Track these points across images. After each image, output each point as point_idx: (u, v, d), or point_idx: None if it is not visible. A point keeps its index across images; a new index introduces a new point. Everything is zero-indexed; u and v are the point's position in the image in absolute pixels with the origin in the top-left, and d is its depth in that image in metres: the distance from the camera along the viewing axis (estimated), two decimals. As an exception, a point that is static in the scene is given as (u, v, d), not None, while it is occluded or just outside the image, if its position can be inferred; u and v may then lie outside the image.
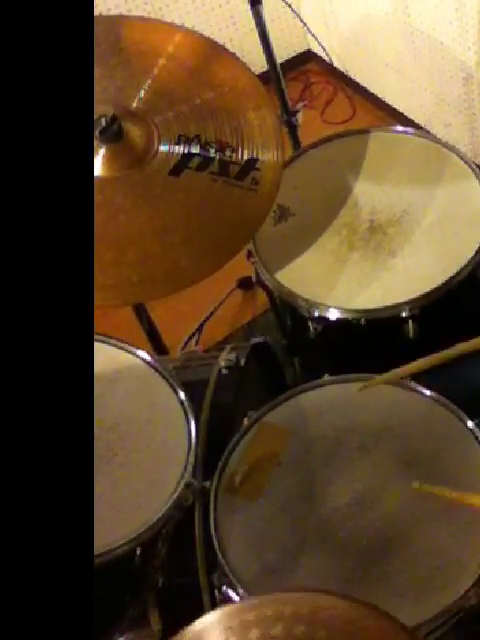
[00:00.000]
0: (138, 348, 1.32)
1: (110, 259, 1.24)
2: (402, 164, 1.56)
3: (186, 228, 1.28)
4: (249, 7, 1.66)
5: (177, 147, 1.32)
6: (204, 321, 2.11)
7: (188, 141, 1.32)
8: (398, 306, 1.37)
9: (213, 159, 1.32)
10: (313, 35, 2.55)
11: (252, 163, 1.33)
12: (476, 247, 1.40)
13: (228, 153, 1.32)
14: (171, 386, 1.27)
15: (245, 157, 1.34)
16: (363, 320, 1.39)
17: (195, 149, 1.32)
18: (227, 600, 1.10)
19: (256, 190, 1.33)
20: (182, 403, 1.25)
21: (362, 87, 2.66)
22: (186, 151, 1.31)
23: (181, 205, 1.29)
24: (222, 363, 1.38)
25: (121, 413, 1.25)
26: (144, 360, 1.31)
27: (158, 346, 1.70)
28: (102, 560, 1.07)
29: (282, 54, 2.63)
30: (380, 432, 1.22)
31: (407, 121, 2.47)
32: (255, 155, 1.34)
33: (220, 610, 0.78)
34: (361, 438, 1.22)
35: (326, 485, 1.18)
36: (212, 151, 1.32)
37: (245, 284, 2.18)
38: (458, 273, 1.38)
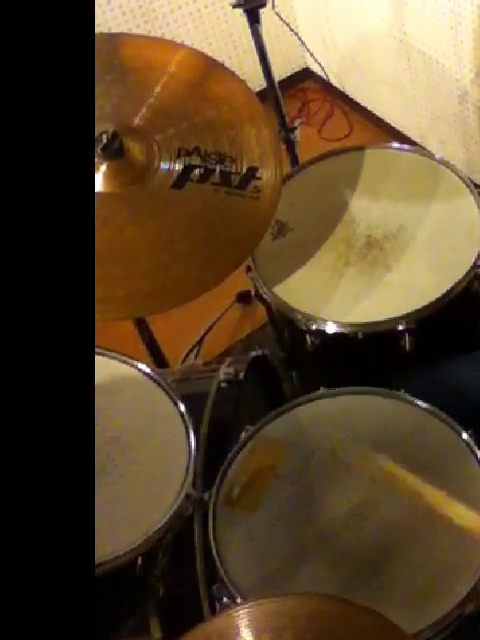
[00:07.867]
0: (139, 361, 1.33)
1: (120, 273, 1.25)
2: (398, 180, 1.58)
3: (192, 239, 1.29)
4: (248, 26, 1.68)
5: (178, 160, 1.33)
6: (204, 334, 2.12)
7: (188, 153, 1.33)
8: (395, 320, 1.38)
9: (214, 170, 1.33)
10: (311, 53, 2.58)
11: (253, 172, 1.34)
12: (471, 261, 1.41)
13: (228, 163, 1.34)
14: (171, 399, 1.28)
15: (245, 167, 1.35)
16: (360, 334, 1.40)
17: (196, 161, 1.33)
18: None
19: (258, 198, 1.34)
20: (182, 415, 1.25)
21: (359, 104, 2.67)
22: (187, 163, 1.33)
23: (186, 217, 1.30)
24: (221, 376, 1.38)
25: (122, 425, 1.25)
26: (144, 373, 1.32)
27: (158, 359, 1.70)
28: (103, 570, 1.08)
29: (280, 72, 2.64)
30: (376, 444, 1.23)
31: (403, 138, 2.48)
32: (255, 165, 1.35)
33: (218, 618, 0.79)
34: (358, 450, 1.23)
35: (323, 496, 1.19)
36: (213, 162, 1.34)
37: (244, 298, 2.18)
38: (454, 287, 1.39)
